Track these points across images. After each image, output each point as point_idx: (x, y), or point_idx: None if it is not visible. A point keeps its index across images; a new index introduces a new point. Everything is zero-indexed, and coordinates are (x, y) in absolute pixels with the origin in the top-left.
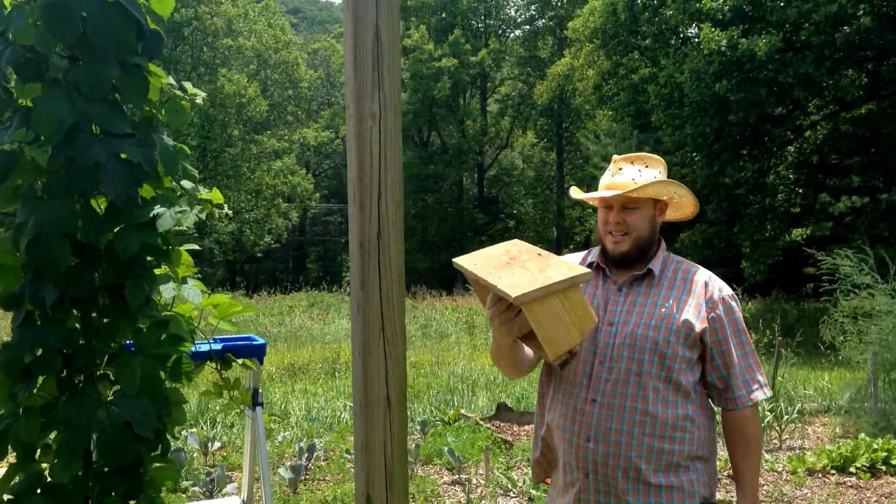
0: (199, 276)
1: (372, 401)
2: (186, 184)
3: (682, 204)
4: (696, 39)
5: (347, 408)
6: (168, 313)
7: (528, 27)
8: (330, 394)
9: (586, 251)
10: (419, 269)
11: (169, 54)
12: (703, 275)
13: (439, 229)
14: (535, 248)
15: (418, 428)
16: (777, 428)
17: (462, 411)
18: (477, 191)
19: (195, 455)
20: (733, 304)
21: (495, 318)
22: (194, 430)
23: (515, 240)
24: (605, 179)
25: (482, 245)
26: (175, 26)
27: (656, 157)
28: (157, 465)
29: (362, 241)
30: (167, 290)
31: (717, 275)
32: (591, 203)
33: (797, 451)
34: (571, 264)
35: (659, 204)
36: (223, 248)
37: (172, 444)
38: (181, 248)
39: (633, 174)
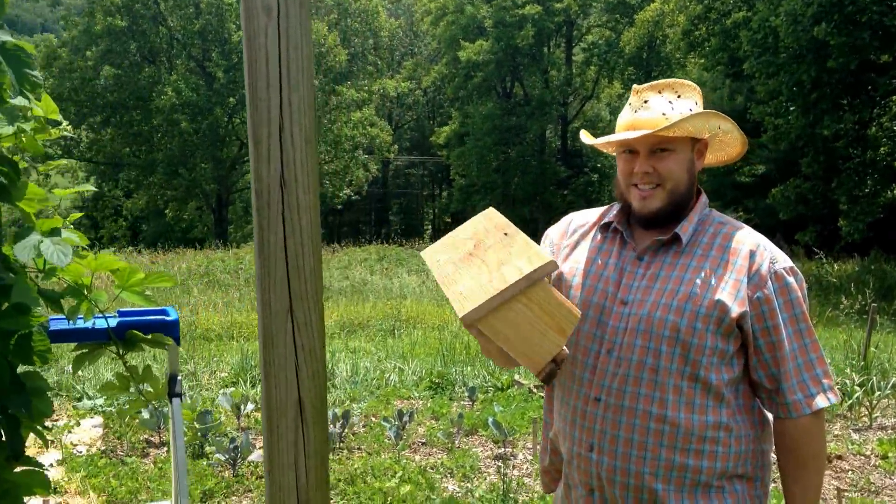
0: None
1: (278, 409)
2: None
3: (727, 142)
4: None
5: (397, 369)
6: (29, 277)
7: None
8: (382, 353)
9: (606, 207)
10: None
11: None
12: (749, 241)
13: (521, 182)
14: (504, 223)
15: (466, 395)
16: (867, 404)
17: (516, 377)
18: (560, 143)
19: (223, 418)
20: (790, 280)
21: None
22: (231, 389)
23: (489, 210)
24: (625, 117)
25: (565, 201)
26: None
27: (689, 82)
28: (21, 469)
29: (259, 190)
30: (25, 248)
31: (813, 233)
32: (607, 150)
33: (889, 433)
34: (534, 250)
35: (698, 144)
36: None
37: (196, 406)
38: (33, 182)
39: (662, 107)
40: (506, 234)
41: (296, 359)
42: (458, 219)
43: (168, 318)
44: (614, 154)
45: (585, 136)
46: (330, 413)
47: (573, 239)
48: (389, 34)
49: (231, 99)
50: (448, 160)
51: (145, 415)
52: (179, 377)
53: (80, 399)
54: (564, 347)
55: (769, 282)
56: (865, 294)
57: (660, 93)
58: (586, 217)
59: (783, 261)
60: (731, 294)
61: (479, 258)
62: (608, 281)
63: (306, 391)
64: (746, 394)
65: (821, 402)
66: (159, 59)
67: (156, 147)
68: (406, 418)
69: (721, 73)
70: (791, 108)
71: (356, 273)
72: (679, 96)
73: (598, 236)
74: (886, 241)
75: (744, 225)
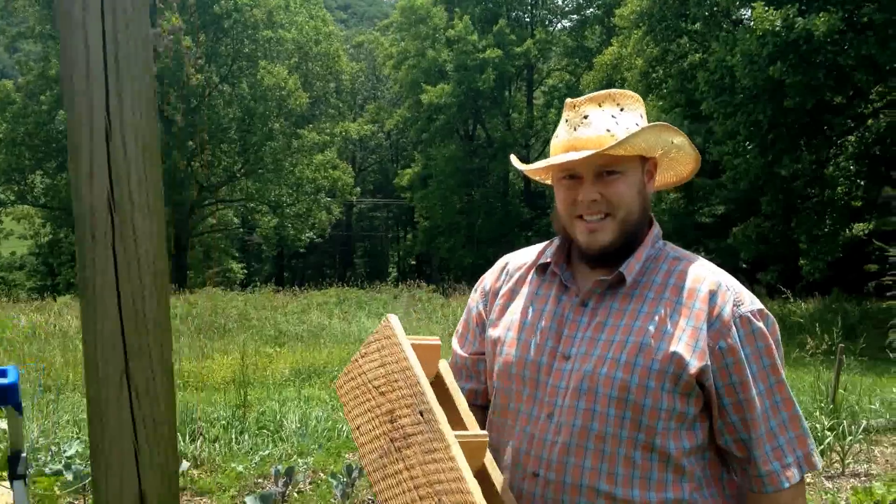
0: (245, 271)
1: None
2: None
3: (678, 160)
4: (749, 21)
5: None
6: None
7: (575, 16)
8: (337, 401)
9: (545, 244)
10: (464, 266)
11: (210, 47)
12: (709, 279)
13: (485, 224)
14: (412, 373)
15: None
16: (839, 450)
17: None
18: (523, 185)
19: None
20: (758, 325)
21: None
22: None
23: (387, 327)
24: (562, 136)
25: (529, 242)
26: (215, 18)
27: (630, 92)
28: None
29: (81, 215)
30: None
31: (774, 273)
32: (541, 179)
33: (863, 479)
34: (465, 479)
35: (647, 164)
36: (268, 243)
37: None
38: None
39: (605, 122)
40: (421, 414)
41: (135, 438)
42: (423, 260)
43: (4, 382)
44: (550, 183)
45: (516, 162)
46: (272, 470)
47: (509, 286)
48: (351, 77)
49: (190, 142)
50: (412, 202)
51: (68, 476)
52: (24, 454)
53: None
54: None
55: (734, 328)
56: (832, 333)
57: (600, 105)
58: (524, 258)
59: (750, 302)
60: (688, 345)
61: (404, 468)
62: (546, 333)
63: (150, 482)
64: (713, 463)
65: (796, 473)
66: None
67: None
68: (356, 474)
69: (679, 115)
70: (749, 148)
71: (314, 317)
72: (622, 109)
73: (535, 280)
74: (846, 281)
75: (703, 260)
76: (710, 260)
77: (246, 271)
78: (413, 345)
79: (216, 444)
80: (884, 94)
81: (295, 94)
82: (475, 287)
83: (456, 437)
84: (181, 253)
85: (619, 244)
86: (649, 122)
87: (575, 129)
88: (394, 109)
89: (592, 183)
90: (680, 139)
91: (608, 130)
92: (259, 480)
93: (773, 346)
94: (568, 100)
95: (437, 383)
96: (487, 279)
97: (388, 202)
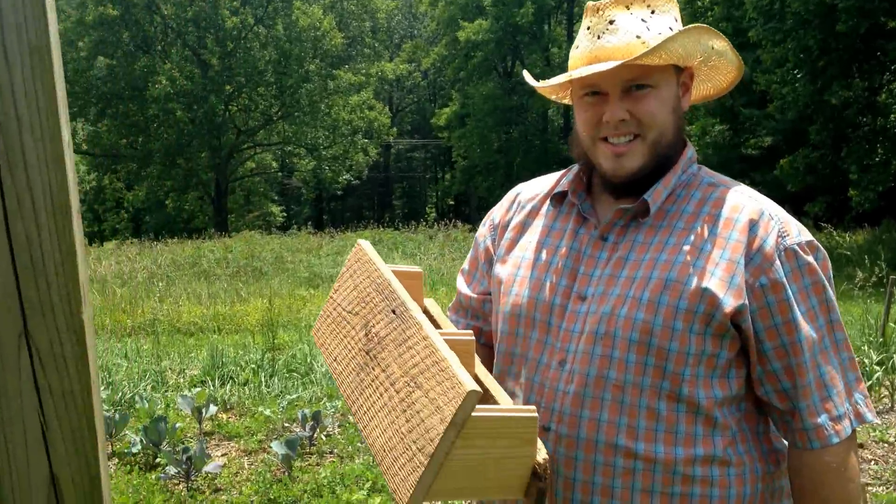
0: (285, 213)
1: (17, 495)
2: None
3: (718, 68)
4: None
5: None
6: None
7: None
8: None
9: (562, 172)
10: None
11: None
12: (749, 207)
13: (524, 162)
14: (382, 281)
15: None
16: (888, 385)
17: None
18: (562, 122)
19: (179, 424)
20: (808, 259)
21: None
22: (197, 389)
23: (359, 251)
24: (584, 46)
25: None
26: None
27: None
28: None
29: None
30: None
31: (823, 204)
32: (559, 99)
33: None
34: (437, 352)
35: (682, 75)
36: (307, 186)
37: (155, 411)
38: None
39: (635, 27)
40: (393, 311)
41: (41, 412)
42: (461, 200)
43: None
44: (569, 103)
45: (529, 78)
46: (299, 414)
47: (520, 218)
48: (387, 16)
49: (227, 86)
50: (449, 142)
51: None
52: None
53: None
54: (542, 452)
55: (777, 262)
56: (881, 265)
57: (628, 8)
58: (538, 187)
59: (797, 233)
60: (722, 280)
61: (380, 372)
62: (560, 271)
63: (63, 464)
64: (750, 416)
65: (849, 426)
66: (154, 47)
67: (152, 137)
68: None
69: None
70: (798, 76)
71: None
72: (653, 11)
73: (551, 211)
74: None
75: (743, 186)
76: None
77: (285, 214)
78: (393, 271)
79: (246, 388)
80: None
81: (330, 35)
82: (483, 220)
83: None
84: (221, 197)
85: (650, 170)
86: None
87: (598, 38)
88: (431, 48)
89: (619, 99)
90: (721, 44)
91: (638, 37)
92: (287, 424)
93: (825, 282)
94: (589, 2)
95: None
96: (496, 211)
97: (425, 142)
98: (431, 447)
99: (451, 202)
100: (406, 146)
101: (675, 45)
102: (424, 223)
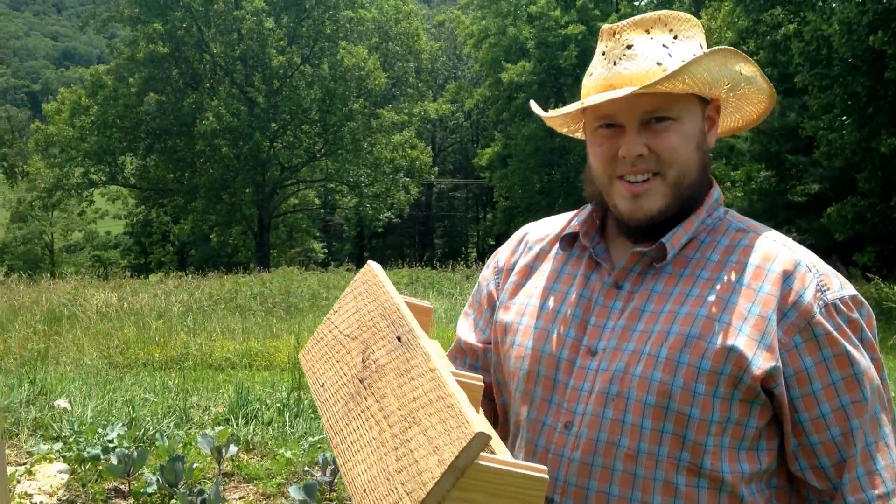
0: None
1: None
2: None
3: (748, 97)
4: None
5: None
6: None
7: None
8: None
9: (574, 212)
10: None
11: (292, 28)
12: (784, 257)
13: (566, 204)
14: (391, 306)
15: None
16: None
17: None
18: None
19: (197, 464)
20: (852, 316)
21: None
22: (220, 427)
23: (368, 271)
24: (597, 73)
25: None
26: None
27: (685, 15)
28: None
29: None
30: None
31: (872, 254)
32: (571, 132)
33: None
34: (448, 394)
35: (708, 108)
36: (348, 223)
37: (175, 449)
38: None
39: (654, 53)
40: (398, 339)
41: None
42: (502, 241)
43: None
44: (582, 137)
45: (536, 108)
46: (320, 458)
47: (526, 261)
48: (431, 57)
49: (272, 124)
50: (491, 182)
51: (113, 459)
52: None
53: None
54: None
55: (817, 319)
56: None
57: (647, 32)
58: (548, 228)
59: (839, 286)
60: (751, 338)
61: (373, 402)
62: (569, 321)
63: None
64: (782, 493)
65: None
66: (202, 84)
67: (198, 172)
68: None
69: None
70: (846, 122)
71: None
72: (676, 36)
73: (560, 255)
74: None
75: (775, 233)
76: (802, 241)
77: (326, 251)
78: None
79: (270, 428)
80: None
81: (374, 74)
82: (488, 262)
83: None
84: (264, 233)
85: (672, 212)
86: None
87: (615, 64)
88: (474, 89)
89: (637, 132)
90: (750, 69)
91: (659, 63)
92: (308, 468)
93: (872, 342)
94: (605, 26)
95: None
96: (502, 252)
97: (467, 182)
98: (422, 492)
99: (493, 242)
100: (448, 185)
101: (700, 70)
102: (464, 263)
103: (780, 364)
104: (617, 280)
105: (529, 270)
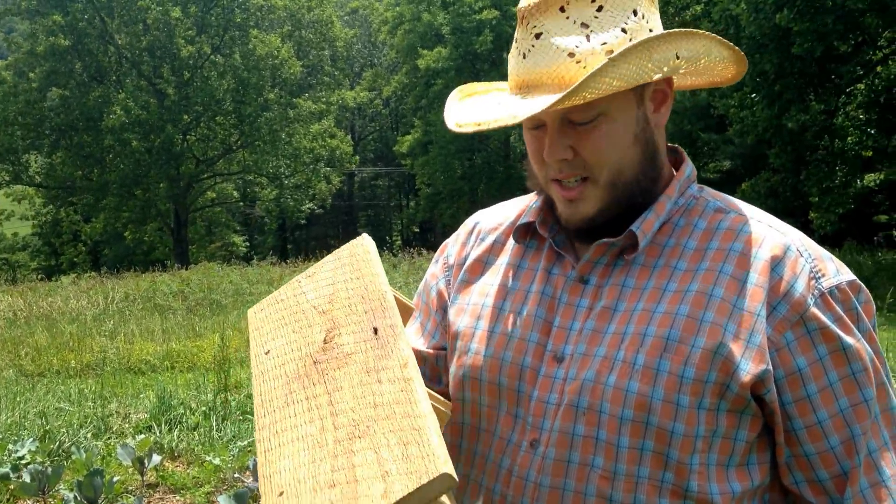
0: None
1: None
2: None
3: (711, 67)
4: None
5: None
6: None
7: None
8: None
9: (529, 197)
10: None
11: (200, 17)
12: (772, 239)
13: (488, 188)
14: (378, 291)
15: None
16: None
17: None
18: (525, 148)
19: (118, 477)
20: (851, 304)
21: None
22: (141, 437)
23: (360, 245)
24: (511, 66)
25: None
26: None
27: None
28: None
29: None
30: None
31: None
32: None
33: None
34: (420, 416)
35: (651, 88)
36: (269, 216)
37: (93, 462)
38: None
39: (567, 40)
40: (374, 330)
41: None
42: (427, 227)
43: None
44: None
45: (447, 118)
46: (250, 462)
47: (478, 254)
48: (346, 44)
49: (184, 116)
50: (413, 169)
51: (26, 477)
52: None
53: None
54: None
55: (811, 312)
56: None
57: (563, 10)
58: (501, 215)
59: (834, 272)
60: (739, 339)
61: (323, 394)
62: (530, 323)
63: None
64: None
65: None
66: (108, 77)
67: (108, 168)
68: None
69: None
70: (756, 100)
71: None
72: (601, 7)
73: (516, 247)
74: (859, 232)
75: (759, 212)
76: None
77: (248, 244)
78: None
79: (196, 433)
80: (893, 39)
81: (289, 63)
82: (435, 256)
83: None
84: (181, 228)
85: (611, 214)
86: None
87: (524, 57)
88: (391, 76)
89: (559, 133)
90: (703, 44)
91: (571, 55)
92: (237, 475)
93: (872, 333)
94: (520, 5)
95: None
96: (451, 246)
97: (389, 170)
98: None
99: (416, 230)
100: (369, 174)
101: (620, 71)
102: (389, 251)
103: (770, 367)
104: (582, 274)
105: (483, 265)
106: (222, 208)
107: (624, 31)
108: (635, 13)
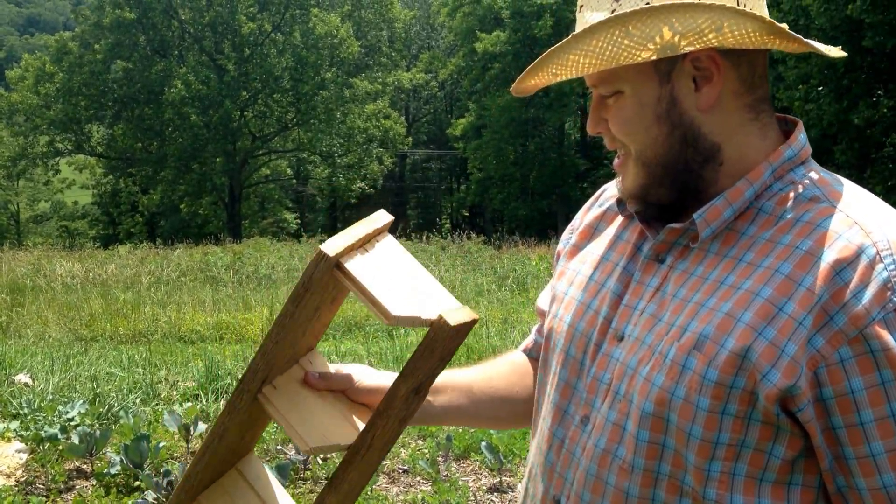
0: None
1: None
2: None
3: (753, 40)
4: None
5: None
6: None
7: None
8: (374, 357)
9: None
10: (518, 217)
11: None
12: (846, 238)
13: (540, 175)
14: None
15: None
16: None
17: None
18: (579, 135)
19: (163, 443)
20: None
21: None
22: (189, 404)
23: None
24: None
25: (584, 194)
26: None
27: None
28: None
29: None
30: None
31: None
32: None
33: None
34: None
35: (680, 66)
36: (321, 194)
37: (140, 427)
38: None
39: (599, 13)
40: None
41: None
42: (476, 212)
43: None
44: None
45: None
46: None
47: (591, 220)
48: (405, 26)
49: (243, 92)
50: (465, 153)
51: (75, 439)
52: None
53: None
54: None
55: (875, 328)
56: None
57: None
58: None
59: None
60: (773, 345)
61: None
62: (606, 297)
63: None
64: None
65: None
66: (171, 52)
67: (167, 141)
68: None
69: None
70: (822, 93)
71: None
72: None
73: (623, 219)
74: None
75: (862, 203)
76: None
77: (299, 222)
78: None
79: None
80: None
81: (347, 43)
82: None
83: None
84: (235, 203)
85: (661, 194)
86: None
87: (579, 9)
88: (448, 59)
89: (596, 107)
90: (704, 17)
91: (613, 11)
92: (280, 447)
93: None
94: None
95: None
96: (581, 211)
97: (441, 153)
98: None
99: (466, 214)
100: (422, 156)
101: (590, 46)
102: (438, 234)
103: (804, 384)
104: (658, 252)
105: (593, 232)
106: (275, 185)
107: (648, 2)
108: None
